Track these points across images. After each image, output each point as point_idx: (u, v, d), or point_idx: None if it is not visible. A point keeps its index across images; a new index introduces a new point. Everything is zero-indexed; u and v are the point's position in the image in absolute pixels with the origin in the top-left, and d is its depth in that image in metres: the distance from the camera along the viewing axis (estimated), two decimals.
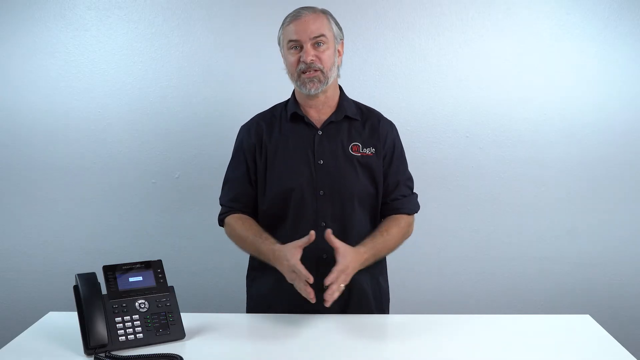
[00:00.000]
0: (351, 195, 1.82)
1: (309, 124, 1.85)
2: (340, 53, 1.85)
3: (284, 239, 1.80)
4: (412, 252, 2.58)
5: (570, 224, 2.66)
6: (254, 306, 1.93)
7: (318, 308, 1.71)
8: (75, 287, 1.51)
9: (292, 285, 1.72)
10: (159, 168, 2.65)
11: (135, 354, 1.44)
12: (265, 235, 1.78)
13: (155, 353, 1.45)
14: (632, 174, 2.64)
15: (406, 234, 1.88)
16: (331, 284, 1.57)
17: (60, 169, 2.64)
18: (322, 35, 1.76)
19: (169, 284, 1.61)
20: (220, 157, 2.61)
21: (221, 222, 1.91)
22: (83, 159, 2.64)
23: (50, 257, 2.69)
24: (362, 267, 1.70)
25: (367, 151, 1.85)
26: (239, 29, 2.58)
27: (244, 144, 1.91)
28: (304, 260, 1.67)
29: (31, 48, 2.58)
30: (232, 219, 1.87)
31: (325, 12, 1.82)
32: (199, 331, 1.60)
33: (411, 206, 1.90)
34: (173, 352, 1.44)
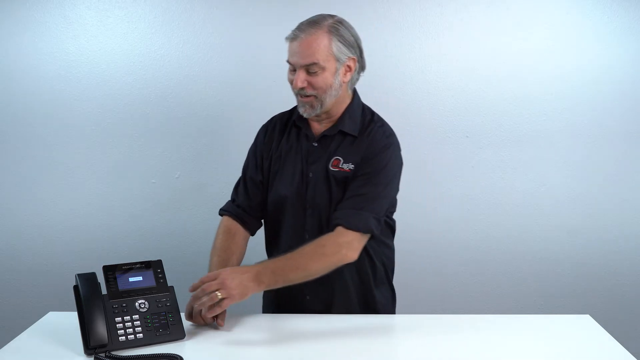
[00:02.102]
0: (327, 210, 1.76)
1: (308, 135, 1.81)
2: (350, 69, 1.74)
3: (281, 248, 1.83)
4: (412, 252, 2.59)
5: (570, 224, 2.66)
6: (265, 305, 1.96)
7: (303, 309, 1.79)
8: (75, 287, 1.51)
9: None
10: (159, 168, 2.65)
11: (135, 354, 1.44)
12: (221, 260, 1.79)
13: (155, 353, 1.45)
14: (632, 174, 2.64)
15: (331, 257, 1.66)
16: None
17: (60, 168, 2.64)
18: (314, 63, 1.66)
19: (169, 284, 1.61)
20: (220, 157, 2.63)
21: (220, 214, 1.93)
22: (83, 159, 2.64)
23: (50, 257, 2.69)
24: (258, 282, 1.60)
25: (346, 167, 1.75)
26: (239, 29, 2.58)
27: (258, 143, 1.91)
28: None
29: (31, 48, 2.58)
30: (222, 226, 1.88)
31: (330, 30, 1.68)
32: (199, 331, 1.60)
33: (353, 221, 1.68)
34: (173, 352, 1.44)
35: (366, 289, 1.85)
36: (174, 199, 2.66)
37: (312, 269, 1.65)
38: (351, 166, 1.75)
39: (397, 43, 2.59)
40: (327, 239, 1.68)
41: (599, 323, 1.68)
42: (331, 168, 1.76)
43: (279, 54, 2.53)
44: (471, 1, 2.56)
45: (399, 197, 1.87)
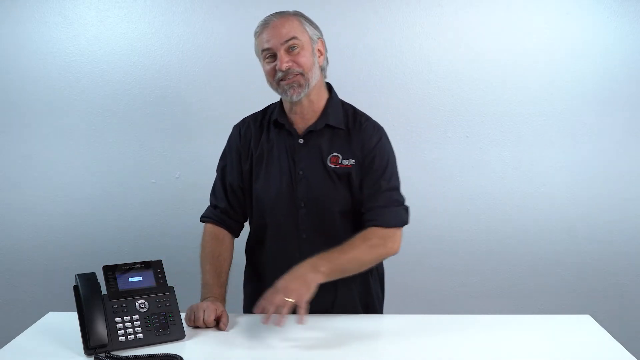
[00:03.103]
0: (331, 207, 1.76)
1: (291, 132, 1.78)
2: (321, 53, 1.75)
3: (267, 251, 1.83)
4: (412, 252, 2.59)
5: (570, 224, 2.67)
6: (250, 304, 1.92)
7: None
8: (75, 287, 1.51)
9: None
10: (159, 168, 2.65)
11: (135, 354, 1.44)
12: (214, 267, 1.77)
13: (155, 353, 1.45)
14: (632, 174, 2.64)
15: (379, 248, 1.71)
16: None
17: (60, 168, 2.65)
18: (294, 37, 1.67)
19: (169, 284, 1.61)
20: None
21: (202, 221, 1.90)
22: (83, 159, 2.64)
23: (50, 257, 2.69)
24: (316, 272, 1.59)
25: (347, 162, 1.75)
26: (239, 29, 2.58)
27: (233, 146, 1.87)
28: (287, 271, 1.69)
29: (31, 48, 2.58)
30: (208, 232, 1.85)
31: (296, 14, 1.73)
32: (199, 331, 1.60)
33: (389, 219, 1.73)
34: (173, 352, 1.44)
35: (366, 282, 1.85)
36: (174, 199, 2.66)
37: (365, 260, 1.71)
38: (352, 161, 1.75)
39: (397, 43, 2.59)
40: (371, 233, 1.71)
41: (599, 323, 1.68)
42: (330, 165, 1.75)
43: None
44: (471, 1, 2.56)
45: None
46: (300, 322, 1.50)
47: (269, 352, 1.51)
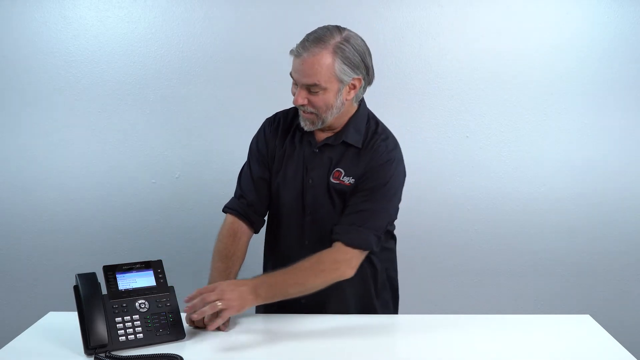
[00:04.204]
0: (332, 220, 1.74)
1: (310, 140, 1.78)
2: (355, 87, 1.68)
3: (273, 250, 1.86)
4: (412, 252, 2.59)
5: (571, 224, 2.67)
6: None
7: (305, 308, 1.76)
8: (75, 287, 1.51)
9: None
10: (159, 168, 2.65)
11: (135, 354, 1.44)
12: (225, 266, 1.78)
13: (155, 353, 1.45)
14: (631, 173, 2.64)
15: (330, 273, 1.66)
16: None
17: (60, 168, 2.64)
18: (315, 85, 1.62)
19: (169, 284, 1.61)
20: (220, 156, 2.63)
21: (224, 212, 1.89)
22: (83, 159, 2.64)
23: (50, 257, 2.69)
24: (255, 295, 1.60)
25: (347, 180, 1.73)
26: (239, 29, 2.58)
27: (259, 138, 1.86)
28: None
29: (31, 48, 2.58)
30: (227, 226, 1.84)
31: (335, 50, 1.61)
32: (199, 331, 1.60)
33: (351, 238, 1.67)
34: (173, 352, 1.44)
35: (366, 298, 1.84)
36: (174, 199, 2.66)
37: (310, 285, 1.66)
38: (352, 180, 1.73)
39: (397, 43, 2.59)
40: (325, 256, 1.67)
41: (599, 323, 1.68)
42: (332, 180, 1.75)
43: (279, 54, 2.54)
44: (471, 1, 2.56)
45: None
46: (214, 327, 1.55)
47: (269, 352, 1.51)
